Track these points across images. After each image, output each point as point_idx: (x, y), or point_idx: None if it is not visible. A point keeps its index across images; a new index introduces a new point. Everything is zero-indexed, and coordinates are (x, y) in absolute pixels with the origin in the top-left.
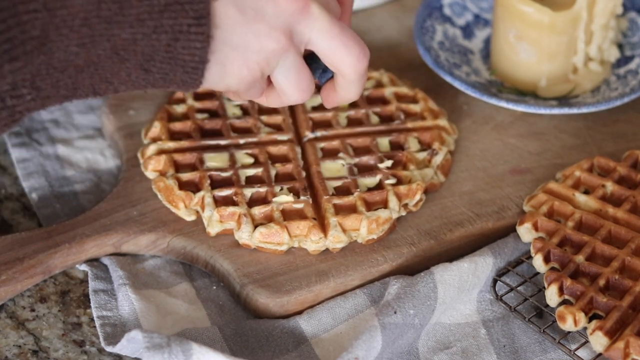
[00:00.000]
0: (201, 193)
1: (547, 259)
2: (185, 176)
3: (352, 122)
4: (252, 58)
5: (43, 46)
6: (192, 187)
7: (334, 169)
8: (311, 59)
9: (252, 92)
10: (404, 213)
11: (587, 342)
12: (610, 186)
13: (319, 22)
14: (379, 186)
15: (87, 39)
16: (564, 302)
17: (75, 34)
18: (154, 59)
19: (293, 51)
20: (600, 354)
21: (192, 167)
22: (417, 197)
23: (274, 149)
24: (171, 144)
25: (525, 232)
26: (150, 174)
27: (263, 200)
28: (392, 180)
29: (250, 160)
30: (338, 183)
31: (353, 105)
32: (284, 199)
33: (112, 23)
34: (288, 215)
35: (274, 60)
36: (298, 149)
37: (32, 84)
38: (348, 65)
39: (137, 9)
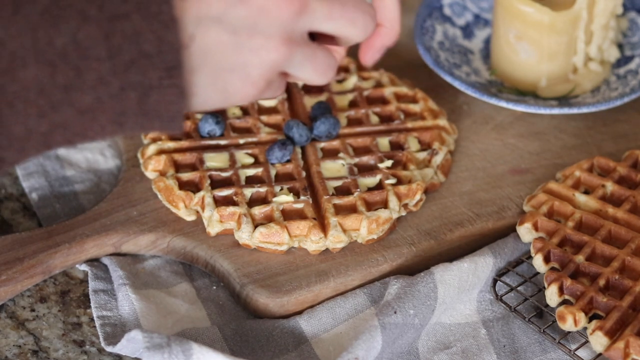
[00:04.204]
0: (201, 193)
1: (547, 259)
2: (185, 176)
3: (352, 122)
4: (253, 73)
5: None
6: (192, 187)
7: (334, 169)
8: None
9: (270, 94)
10: (404, 213)
11: (587, 342)
12: (610, 186)
13: (318, 13)
14: (379, 186)
15: (47, 107)
16: (564, 302)
17: (32, 106)
18: (127, 114)
19: (297, 48)
20: (600, 354)
21: (192, 167)
22: (417, 197)
23: None
24: (171, 144)
25: (525, 232)
26: (150, 174)
27: (263, 200)
28: (392, 180)
29: (250, 160)
30: (338, 183)
31: (353, 105)
32: (284, 199)
33: (71, 89)
34: (288, 215)
35: (280, 67)
36: (298, 149)
37: None
38: (357, 36)
39: (98, 72)
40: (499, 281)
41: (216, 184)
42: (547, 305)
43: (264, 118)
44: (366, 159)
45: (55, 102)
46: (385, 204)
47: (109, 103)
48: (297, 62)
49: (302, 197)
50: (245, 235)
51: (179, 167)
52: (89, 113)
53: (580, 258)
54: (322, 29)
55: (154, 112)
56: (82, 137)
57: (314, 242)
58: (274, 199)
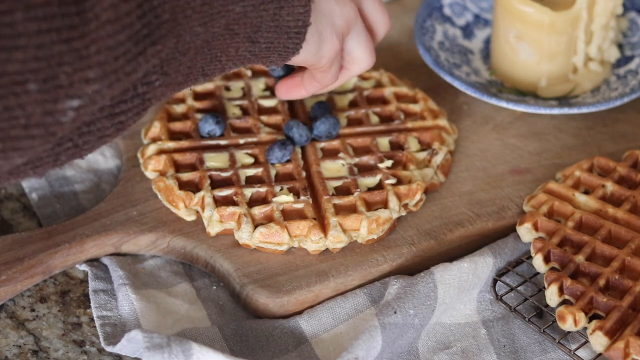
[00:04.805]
0: (201, 193)
1: (547, 259)
2: (185, 176)
3: (352, 122)
4: (338, 23)
5: (174, 29)
6: (192, 187)
7: (334, 169)
8: (321, 119)
9: (334, 68)
10: (404, 213)
11: (587, 342)
12: (610, 186)
13: None
14: (379, 186)
15: (207, 17)
16: (564, 302)
17: (197, 14)
18: (261, 29)
19: (358, 15)
20: (600, 354)
21: (192, 167)
22: (417, 197)
23: None
24: (171, 144)
25: (525, 232)
26: (150, 174)
27: (263, 200)
28: (392, 180)
29: (250, 160)
30: (338, 183)
31: (353, 105)
32: (284, 199)
33: None
34: (288, 215)
35: (351, 26)
36: (298, 149)
37: (161, 69)
38: (386, 26)
39: None
40: (499, 281)
41: (216, 184)
42: (547, 305)
43: (264, 118)
44: (366, 159)
45: (214, 12)
46: (385, 204)
47: (250, 15)
48: (358, 31)
49: (302, 197)
50: (245, 235)
51: (179, 167)
52: (234, 27)
53: (580, 258)
54: (368, 7)
55: (284, 26)
56: (216, 64)
57: (314, 242)
58: (274, 199)
